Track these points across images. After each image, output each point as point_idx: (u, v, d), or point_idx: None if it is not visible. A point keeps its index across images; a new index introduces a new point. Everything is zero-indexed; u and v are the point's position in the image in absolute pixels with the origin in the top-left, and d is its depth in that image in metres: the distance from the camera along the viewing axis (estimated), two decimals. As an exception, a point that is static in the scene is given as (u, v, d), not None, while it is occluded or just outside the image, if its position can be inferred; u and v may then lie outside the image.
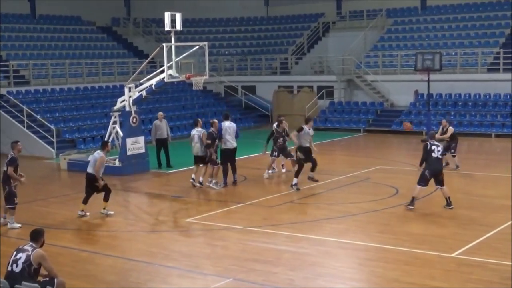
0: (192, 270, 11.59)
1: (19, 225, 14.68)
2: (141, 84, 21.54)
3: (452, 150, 20.43)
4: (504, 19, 34.32)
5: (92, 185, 15.60)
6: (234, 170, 18.98)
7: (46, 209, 16.85)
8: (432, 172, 15.25)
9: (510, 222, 14.01)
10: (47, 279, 9.13)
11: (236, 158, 19.12)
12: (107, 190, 15.69)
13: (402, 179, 18.98)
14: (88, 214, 15.68)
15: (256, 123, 34.69)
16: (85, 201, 15.69)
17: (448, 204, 15.45)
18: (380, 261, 11.86)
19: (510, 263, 11.30)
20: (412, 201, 15.32)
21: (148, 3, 40.07)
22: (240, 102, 36.83)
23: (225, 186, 18.70)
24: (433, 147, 15.29)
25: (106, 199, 15.74)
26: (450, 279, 10.75)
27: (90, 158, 16.28)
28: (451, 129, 20.53)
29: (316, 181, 18.42)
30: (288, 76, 37.37)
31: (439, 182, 15.39)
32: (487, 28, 34.42)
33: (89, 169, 15.65)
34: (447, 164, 20.19)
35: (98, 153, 15.68)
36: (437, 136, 19.87)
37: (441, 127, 20.85)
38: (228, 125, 18.78)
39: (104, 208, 15.78)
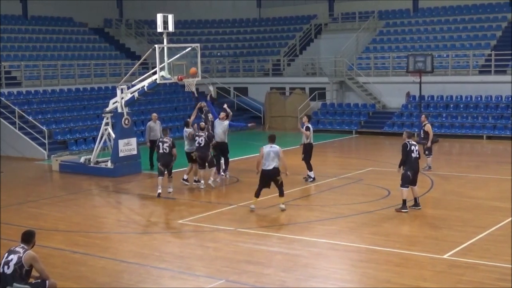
0: (184, 272, 11.59)
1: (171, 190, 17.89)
2: (133, 85, 21.51)
3: (427, 152, 20.31)
4: (496, 22, 34.47)
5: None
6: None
7: (37, 211, 16.80)
8: (413, 172, 15.27)
9: (501, 224, 14.09)
10: (39, 280, 9.12)
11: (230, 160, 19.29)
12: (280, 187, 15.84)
13: (394, 181, 18.81)
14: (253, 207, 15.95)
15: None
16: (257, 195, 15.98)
17: (416, 204, 15.47)
18: (372, 262, 11.89)
19: (501, 265, 11.36)
20: (404, 205, 15.29)
21: (140, 4, 40.04)
22: (232, 104, 36.78)
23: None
24: (412, 147, 15.28)
25: (280, 194, 15.85)
26: (441, 280, 10.78)
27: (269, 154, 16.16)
28: (429, 126, 20.42)
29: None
30: (280, 77, 37.39)
31: (413, 182, 15.39)
32: (479, 30, 34.56)
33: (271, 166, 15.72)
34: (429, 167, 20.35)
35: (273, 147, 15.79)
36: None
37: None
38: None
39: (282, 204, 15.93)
